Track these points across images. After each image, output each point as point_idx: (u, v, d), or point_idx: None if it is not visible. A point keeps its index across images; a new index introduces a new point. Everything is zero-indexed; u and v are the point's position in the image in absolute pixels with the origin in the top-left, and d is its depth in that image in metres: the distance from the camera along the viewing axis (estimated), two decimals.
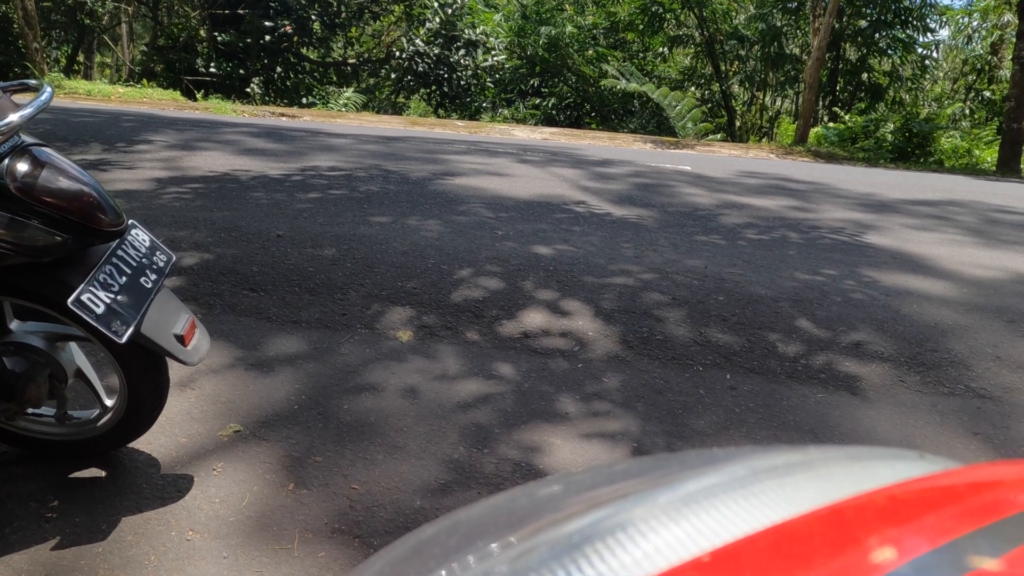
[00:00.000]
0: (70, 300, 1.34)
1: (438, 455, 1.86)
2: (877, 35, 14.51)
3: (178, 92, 12.78)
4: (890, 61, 15.89)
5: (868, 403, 2.24)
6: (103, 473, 1.71)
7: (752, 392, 2.26)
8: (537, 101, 15.78)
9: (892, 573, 0.32)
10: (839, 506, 0.38)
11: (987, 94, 16.28)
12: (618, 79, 14.70)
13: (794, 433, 2.06)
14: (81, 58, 18.70)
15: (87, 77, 16.93)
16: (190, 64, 15.51)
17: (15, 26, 13.42)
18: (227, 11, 15.10)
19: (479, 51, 16.41)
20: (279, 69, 15.65)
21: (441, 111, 16.49)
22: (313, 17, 15.34)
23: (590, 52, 16.20)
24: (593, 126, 15.65)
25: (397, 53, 16.33)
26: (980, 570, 0.32)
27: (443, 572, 0.36)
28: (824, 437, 2.02)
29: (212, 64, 15.03)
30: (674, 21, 16.13)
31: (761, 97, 17.31)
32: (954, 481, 0.43)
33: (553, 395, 2.19)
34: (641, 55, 17.21)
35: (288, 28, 15.00)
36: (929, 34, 15.76)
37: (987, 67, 16.51)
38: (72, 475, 1.70)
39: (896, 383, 2.35)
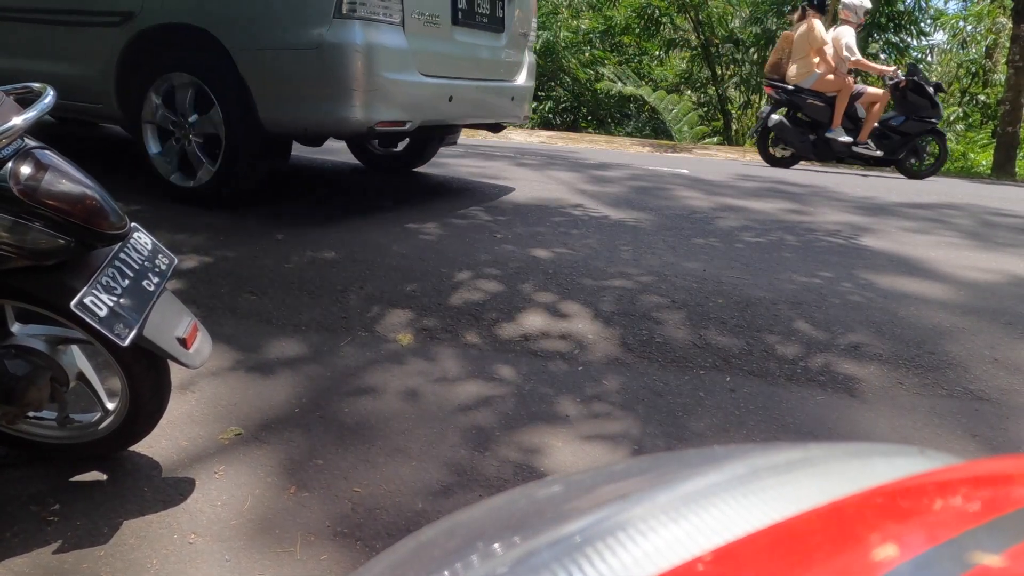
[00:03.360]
0: (73, 303, 1.35)
1: (439, 457, 1.86)
2: (870, 38, 14.52)
3: None
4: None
5: (867, 405, 2.24)
6: (104, 476, 1.71)
7: (751, 394, 2.27)
8: (534, 104, 15.81)
9: (894, 570, 0.32)
10: (840, 503, 0.39)
11: (982, 98, 16.30)
12: (614, 82, 14.72)
13: (793, 435, 2.07)
14: None
15: None
16: None
17: None
18: None
19: None
20: None
21: None
22: None
23: (586, 55, 16.22)
24: (589, 129, 15.67)
25: None
26: (982, 566, 0.32)
27: (445, 573, 0.37)
28: (823, 438, 2.03)
29: None
30: (670, 25, 16.15)
31: (757, 101, 17.33)
32: (955, 477, 0.44)
33: (553, 397, 2.19)
34: (637, 59, 17.23)
35: None
36: (923, 38, 15.79)
37: (982, 71, 16.51)
38: (73, 478, 1.70)
39: (894, 385, 2.36)
